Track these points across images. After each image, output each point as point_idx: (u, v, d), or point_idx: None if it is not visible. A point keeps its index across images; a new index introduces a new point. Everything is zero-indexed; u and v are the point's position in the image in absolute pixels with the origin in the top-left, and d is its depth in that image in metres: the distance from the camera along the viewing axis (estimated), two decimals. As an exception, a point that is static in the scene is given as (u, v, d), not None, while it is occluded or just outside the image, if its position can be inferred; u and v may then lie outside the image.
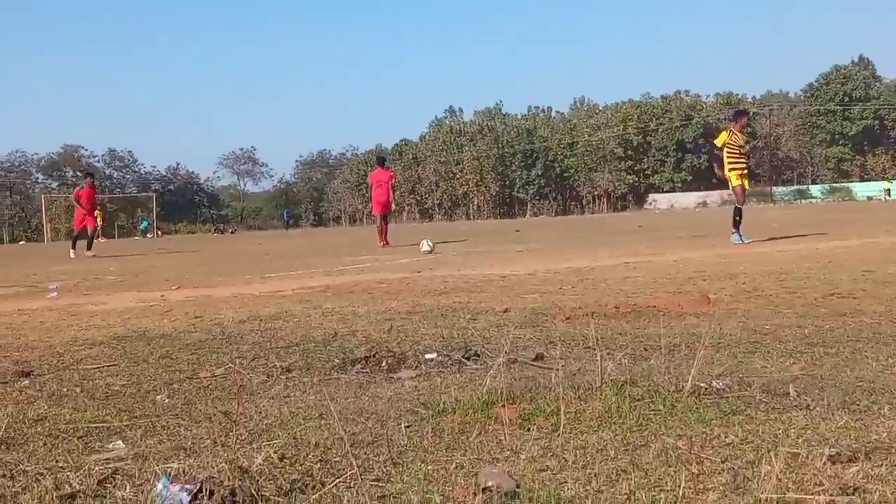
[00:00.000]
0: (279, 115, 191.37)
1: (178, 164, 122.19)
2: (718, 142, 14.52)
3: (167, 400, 3.52)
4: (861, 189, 78.44)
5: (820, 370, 3.51)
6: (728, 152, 14.29)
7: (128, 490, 2.28)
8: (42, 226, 72.90)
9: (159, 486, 2.19)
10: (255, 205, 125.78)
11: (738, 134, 14.48)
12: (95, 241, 22.37)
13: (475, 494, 2.12)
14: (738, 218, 14.01)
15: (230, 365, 4.26)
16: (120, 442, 2.85)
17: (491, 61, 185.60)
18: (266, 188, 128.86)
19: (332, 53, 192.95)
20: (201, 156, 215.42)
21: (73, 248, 21.51)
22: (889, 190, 70.11)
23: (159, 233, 72.08)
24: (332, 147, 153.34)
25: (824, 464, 2.25)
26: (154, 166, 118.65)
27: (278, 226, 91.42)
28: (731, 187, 14.57)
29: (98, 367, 4.42)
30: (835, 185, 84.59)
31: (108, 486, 2.35)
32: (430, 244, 16.03)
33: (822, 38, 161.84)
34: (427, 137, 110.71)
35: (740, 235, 13.76)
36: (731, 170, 14.28)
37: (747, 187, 14.66)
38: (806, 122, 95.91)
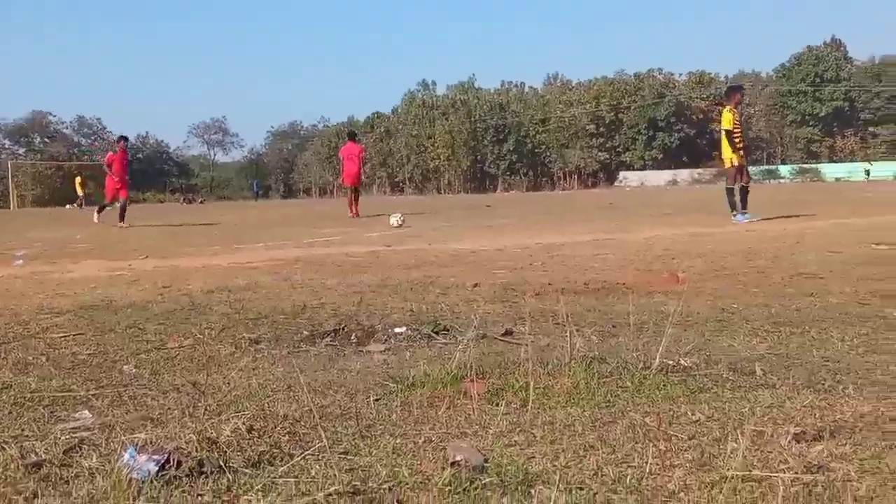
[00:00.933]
0: (251, 85, 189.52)
1: (147, 133, 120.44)
2: (727, 124, 13.66)
3: (134, 370, 3.49)
4: (830, 170, 79.02)
5: (786, 349, 3.55)
6: (736, 133, 13.64)
7: (94, 459, 2.26)
8: (8, 193, 71.71)
9: (126, 456, 2.17)
10: (225, 175, 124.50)
11: (736, 111, 13.80)
12: (74, 206, 21.76)
13: (443, 469, 2.12)
14: (739, 197, 13.50)
15: (198, 336, 4.23)
16: (86, 411, 2.83)
17: (465, 35, 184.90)
18: (236, 158, 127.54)
19: (306, 24, 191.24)
20: (171, 125, 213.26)
21: (99, 213, 20.56)
22: (869, 171, 70.53)
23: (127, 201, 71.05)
24: (303, 119, 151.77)
25: (789, 442, 2.28)
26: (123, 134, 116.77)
27: (248, 196, 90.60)
28: (733, 165, 13.68)
29: (64, 335, 4.38)
30: (804, 165, 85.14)
31: (75, 455, 2.33)
32: (400, 219, 15.85)
33: (795, 19, 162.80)
34: (399, 111, 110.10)
35: (746, 214, 13.35)
36: (734, 150, 13.62)
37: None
38: (777, 102, 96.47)
